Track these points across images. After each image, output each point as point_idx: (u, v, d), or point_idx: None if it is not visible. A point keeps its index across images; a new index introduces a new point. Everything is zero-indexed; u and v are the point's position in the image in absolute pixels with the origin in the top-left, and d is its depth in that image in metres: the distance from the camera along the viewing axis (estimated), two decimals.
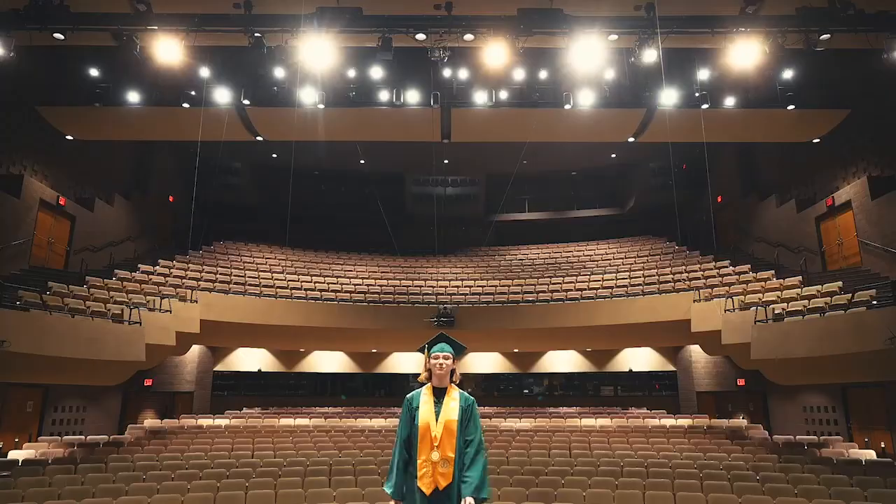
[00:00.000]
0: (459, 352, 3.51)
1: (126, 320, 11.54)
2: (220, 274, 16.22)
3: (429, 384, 3.42)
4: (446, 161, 20.23)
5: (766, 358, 11.41)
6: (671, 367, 19.27)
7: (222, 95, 13.39)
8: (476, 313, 15.26)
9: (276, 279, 16.73)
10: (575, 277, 17.30)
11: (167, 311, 12.81)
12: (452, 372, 3.42)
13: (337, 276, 18.10)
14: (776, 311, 11.65)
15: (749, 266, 15.50)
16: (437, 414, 3.26)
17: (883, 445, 12.75)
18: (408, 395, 3.42)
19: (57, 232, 14.63)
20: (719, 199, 20.16)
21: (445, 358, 3.38)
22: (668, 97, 13.19)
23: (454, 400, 3.32)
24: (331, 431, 12.37)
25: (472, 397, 3.42)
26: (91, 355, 10.60)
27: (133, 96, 13.54)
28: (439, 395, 3.35)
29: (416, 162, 20.45)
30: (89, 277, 13.50)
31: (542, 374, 20.39)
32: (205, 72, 13.07)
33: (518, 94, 14.11)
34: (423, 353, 3.46)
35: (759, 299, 12.60)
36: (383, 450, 10.06)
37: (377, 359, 20.23)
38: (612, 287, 15.94)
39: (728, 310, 12.73)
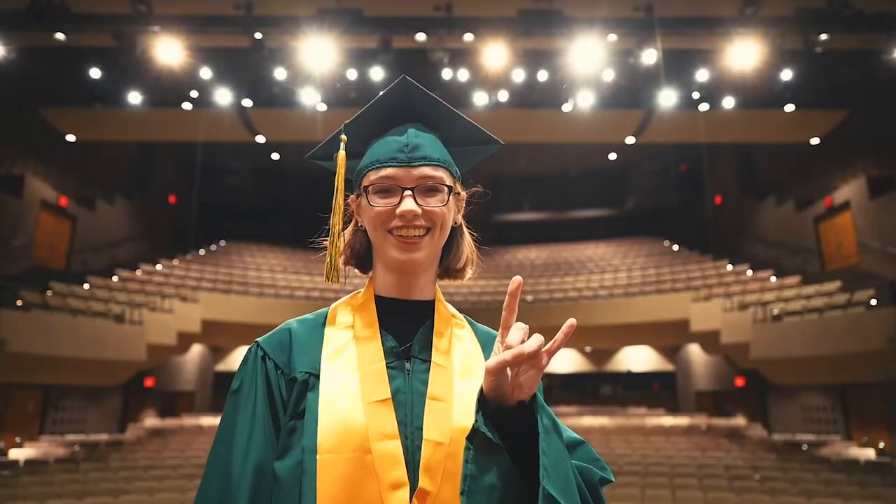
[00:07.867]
0: (470, 160, 1.17)
1: (127, 320, 11.58)
2: (221, 274, 16.26)
3: (362, 290, 1.15)
4: None
5: (765, 357, 11.45)
6: (670, 367, 19.30)
7: (223, 96, 13.40)
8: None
9: (276, 279, 16.76)
10: (574, 277, 17.34)
11: (168, 310, 12.84)
12: (453, 242, 1.15)
13: None
14: (775, 311, 11.70)
15: (748, 266, 15.54)
16: (405, 401, 0.96)
17: (882, 445, 12.77)
18: (261, 339, 1.04)
19: (58, 232, 14.66)
20: (718, 200, 20.20)
21: (426, 186, 1.04)
22: (667, 98, 13.20)
23: (471, 353, 1.08)
24: None
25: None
26: (92, 355, 10.66)
27: (134, 97, 13.52)
28: (404, 326, 1.06)
29: None
30: (90, 277, 13.54)
31: None
32: (206, 73, 13.07)
33: (517, 96, 14.13)
34: (334, 166, 1.07)
35: (758, 299, 12.64)
36: None
37: None
38: (611, 287, 15.98)
39: (727, 310, 12.77)
